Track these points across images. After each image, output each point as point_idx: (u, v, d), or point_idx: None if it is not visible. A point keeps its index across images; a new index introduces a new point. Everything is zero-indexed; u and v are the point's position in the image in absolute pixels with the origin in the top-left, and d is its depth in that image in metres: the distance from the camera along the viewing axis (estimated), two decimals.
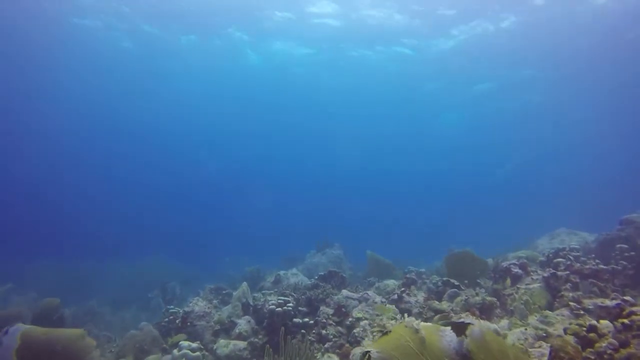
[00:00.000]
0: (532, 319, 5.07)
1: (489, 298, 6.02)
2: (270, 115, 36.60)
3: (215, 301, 10.53)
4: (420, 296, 7.51)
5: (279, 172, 52.36)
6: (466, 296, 6.49)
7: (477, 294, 6.45)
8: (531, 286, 6.41)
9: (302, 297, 8.50)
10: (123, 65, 26.72)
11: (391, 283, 9.70)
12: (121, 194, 47.25)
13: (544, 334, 4.53)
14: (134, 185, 48.56)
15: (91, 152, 42.76)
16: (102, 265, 19.75)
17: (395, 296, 7.46)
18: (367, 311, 6.88)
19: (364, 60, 24.79)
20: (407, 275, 8.25)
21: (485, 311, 5.88)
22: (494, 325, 5.14)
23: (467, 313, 5.50)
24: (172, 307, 9.59)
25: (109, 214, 41.87)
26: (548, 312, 4.96)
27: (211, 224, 42.86)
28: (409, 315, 6.97)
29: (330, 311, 7.73)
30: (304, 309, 8.20)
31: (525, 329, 4.76)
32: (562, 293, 5.57)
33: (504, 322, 5.33)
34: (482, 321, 5.19)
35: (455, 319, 5.44)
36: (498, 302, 6.07)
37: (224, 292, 11.28)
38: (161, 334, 8.71)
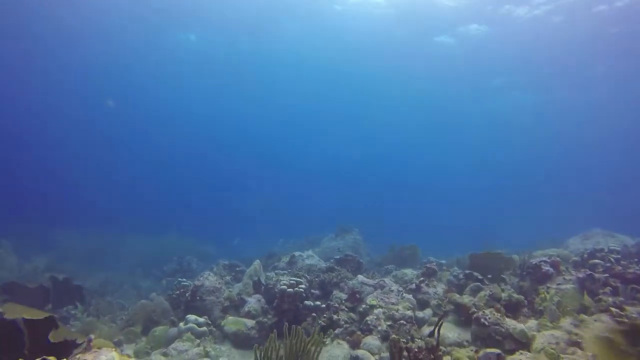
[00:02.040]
0: (565, 322, 4.57)
1: (515, 295, 5.52)
2: (295, 101, 36.14)
3: (228, 277, 10.36)
4: (440, 288, 7.06)
5: (309, 158, 52.11)
6: (490, 291, 6.00)
7: (502, 290, 5.95)
8: (563, 287, 5.88)
9: (316, 279, 8.18)
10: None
11: (409, 272, 9.26)
12: (145, 176, 47.97)
13: (579, 340, 4.04)
14: (158, 167, 49.21)
15: (120, 138, 43.53)
16: (122, 239, 20.03)
17: (414, 286, 7.03)
18: (382, 299, 6.48)
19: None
20: (428, 265, 7.78)
21: (511, 309, 5.39)
22: (521, 325, 4.67)
23: (491, 309, 5.03)
24: (183, 280, 9.45)
25: (131, 194, 42.76)
26: (584, 316, 4.44)
27: (235, 206, 43.04)
28: (427, 307, 6.55)
29: (344, 296, 7.38)
30: (317, 291, 7.88)
31: (557, 333, 4.28)
32: (600, 297, 5.02)
33: (532, 322, 4.84)
34: (508, 319, 4.73)
35: (477, 314, 4.98)
36: (526, 301, 5.57)
37: (237, 269, 11.11)
38: (171, 305, 8.59)
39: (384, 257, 12.57)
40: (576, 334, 4.10)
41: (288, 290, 6.99)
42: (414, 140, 43.42)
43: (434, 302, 6.62)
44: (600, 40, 19.62)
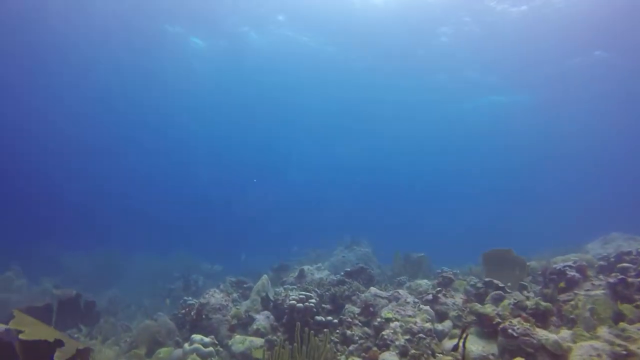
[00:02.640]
0: (602, 332, 4.14)
1: (543, 303, 5.08)
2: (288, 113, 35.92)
3: (235, 294, 9.97)
4: (459, 298, 6.62)
5: (310, 169, 51.51)
6: (514, 299, 5.57)
7: (527, 298, 5.52)
8: (592, 293, 5.44)
9: (326, 293, 7.77)
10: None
11: (424, 283, 8.82)
12: (149, 193, 47.82)
13: (624, 352, 3.62)
14: (161, 184, 49.07)
15: (122, 153, 43.49)
16: (129, 258, 19.76)
17: (430, 297, 6.60)
18: (397, 311, 6.06)
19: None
20: (444, 274, 7.35)
21: (538, 318, 4.96)
22: (553, 336, 4.24)
23: (519, 319, 4.60)
24: (189, 298, 9.08)
25: (137, 212, 42.52)
26: (625, 325, 4.02)
27: (239, 223, 42.59)
28: (446, 319, 6.12)
29: (357, 310, 6.96)
30: (328, 306, 7.46)
31: (597, 343, 3.85)
32: (639, 303, 4.59)
33: (565, 332, 4.40)
34: (540, 330, 4.31)
35: (504, 324, 4.55)
36: (555, 309, 5.13)
37: (244, 285, 10.70)
38: (177, 325, 8.20)
39: (393, 268, 12.07)
40: (620, 345, 3.67)
41: (298, 305, 6.59)
42: (414, 147, 42.68)
43: (453, 313, 6.18)
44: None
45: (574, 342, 4.08)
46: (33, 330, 4.14)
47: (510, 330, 4.37)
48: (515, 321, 4.50)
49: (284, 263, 13.63)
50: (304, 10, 19.90)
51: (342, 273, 8.89)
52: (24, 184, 39.94)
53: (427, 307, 6.19)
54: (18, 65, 25.51)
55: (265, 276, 7.93)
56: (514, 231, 32.54)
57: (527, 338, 4.19)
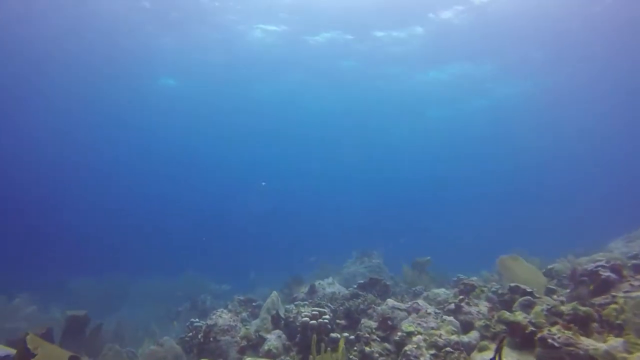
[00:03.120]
0: None
1: (582, 308, 4.57)
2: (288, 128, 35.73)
3: (244, 313, 9.47)
4: (483, 306, 6.11)
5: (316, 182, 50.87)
6: (547, 305, 5.06)
7: (562, 303, 5.02)
8: (634, 294, 4.92)
9: (340, 308, 7.27)
10: None
11: (442, 292, 8.28)
12: (157, 212, 47.43)
13: None
14: (167, 203, 48.70)
15: (125, 172, 43.39)
16: (136, 281, 19.35)
17: (452, 306, 6.09)
18: (419, 324, 5.56)
19: None
20: (464, 282, 6.83)
21: (578, 325, 4.44)
22: (602, 345, 3.73)
23: (558, 327, 4.10)
24: (196, 320, 8.59)
25: (142, 232, 42.09)
26: None
27: (244, 239, 41.94)
28: (472, 329, 5.61)
29: (374, 324, 6.45)
30: (343, 321, 6.96)
31: None
32: None
33: (615, 341, 3.89)
34: (585, 339, 3.80)
35: (542, 333, 4.06)
36: (596, 314, 4.61)
37: (254, 304, 10.21)
38: (184, 350, 7.72)
39: (405, 278, 11.47)
40: None
41: (311, 322, 6.10)
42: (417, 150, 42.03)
43: (479, 322, 5.66)
44: None
45: (629, 352, 3.57)
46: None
47: (550, 340, 3.87)
48: (554, 329, 4.01)
49: (298, 276, 13.12)
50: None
51: (355, 286, 8.39)
52: (30, 208, 39.79)
53: (451, 318, 5.68)
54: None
55: (274, 293, 7.45)
56: (521, 234, 31.69)
57: (571, 348, 3.69)
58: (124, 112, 30.86)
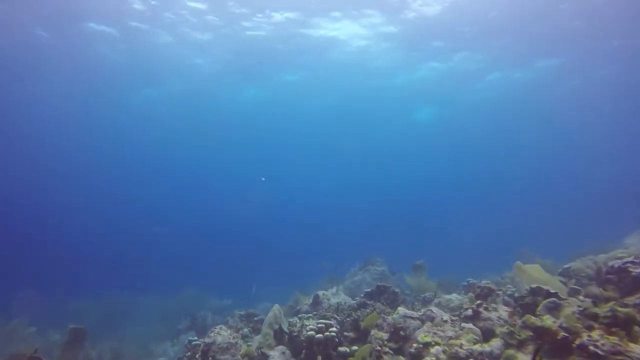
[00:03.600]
0: None
1: (621, 309, 4.05)
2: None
3: (245, 329, 8.89)
4: (502, 311, 5.58)
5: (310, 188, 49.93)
6: (578, 307, 4.55)
7: (595, 304, 4.50)
8: None
9: (347, 319, 6.73)
10: None
11: (454, 297, 7.76)
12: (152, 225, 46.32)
13: None
14: (165, 216, 47.71)
15: (120, 182, 42.47)
16: (136, 300, 18.69)
17: (470, 312, 5.55)
18: (436, 333, 5.03)
19: None
20: (481, 285, 6.30)
21: (619, 328, 3.92)
22: None
23: (600, 332, 3.59)
24: (194, 338, 8.02)
25: (141, 245, 41.08)
26: None
27: (248, 251, 41.08)
28: (493, 337, 5.07)
29: (385, 335, 5.91)
30: (351, 334, 6.41)
31: None
32: None
33: None
34: (635, 345, 3.29)
35: (580, 340, 3.54)
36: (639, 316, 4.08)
37: (255, 318, 9.62)
38: None
39: (410, 285, 10.81)
40: None
41: (317, 336, 5.56)
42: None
43: (501, 329, 5.13)
44: None
45: None
46: None
47: (592, 348, 3.36)
48: (595, 335, 3.49)
49: (302, 289, 12.49)
50: None
51: (362, 295, 7.84)
52: (27, 227, 38.98)
53: (470, 325, 5.14)
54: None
55: (276, 306, 6.90)
56: (521, 234, 30.95)
57: (620, 358, 3.17)
58: (108, 123, 30.31)
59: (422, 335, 4.92)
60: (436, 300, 8.05)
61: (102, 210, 43.20)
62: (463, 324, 5.19)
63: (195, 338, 8.03)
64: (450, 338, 4.82)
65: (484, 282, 6.20)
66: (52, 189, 39.24)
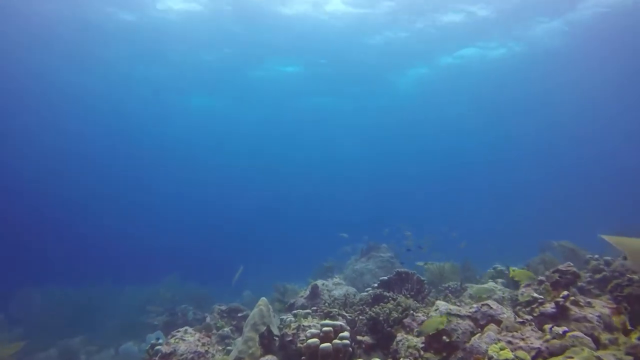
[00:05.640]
0: None
1: None
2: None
3: (227, 329, 6.91)
4: (600, 306, 3.67)
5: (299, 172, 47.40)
6: None
7: None
8: None
9: (361, 317, 4.79)
10: None
11: (490, 286, 5.87)
12: (132, 213, 43.42)
13: None
14: (146, 204, 44.83)
15: (100, 165, 39.54)
16: (113, 291, 16.45)
17: (551, 308, 3.64)
18: (512, 343, 3.10)
19: None
20: (562, 267, 4.33)
21: None
22: None
23: None
24: (159, 341, 6.03)
25: (118, 234, 38.27)
26: None
27: (231, 240, 38.53)
28: (600, 347, 3.13)
29: (418, 341, 4.00)
30: (367, 338, 4.47)
31: None
32: None
33: None
34: None
35: None
36: None
37: (239, 315, 7.64)
38: None
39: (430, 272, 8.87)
40: None
41: (323, 346, 3.61)
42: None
43: (606, 335, 3.23)
44: None
45: None
46: None
47: None
48: None
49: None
50: None
51: (376, 284, 5.88)
52: None
53: (564, 329, 3.21)
54: None
55: (263, 300, 4.90)
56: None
57: None
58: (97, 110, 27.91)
59: (495, 348, 2.97)
60: (469, 291, 6.17)
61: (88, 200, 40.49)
62: (548, 327, 3.26)
63: (160, 340, 6.04)
64: (539, 353, 2.89)
65: (565, 265, 4.25)
66: (35, 177, 36.51)
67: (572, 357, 2.62)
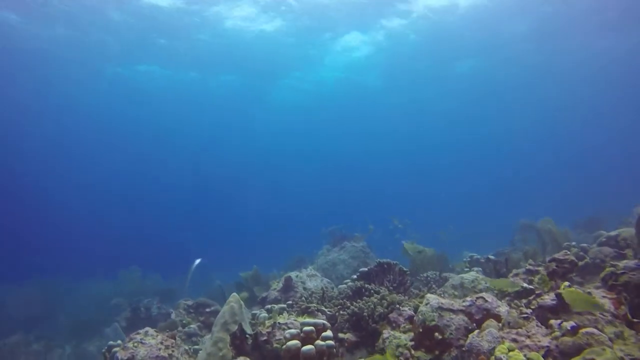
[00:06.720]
0: None
1: None
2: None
3: (193, 326, 6.33)
4: (598, 297, 3.41)
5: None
6: None
7: None
8: None
9: (342, 312, 4.37)
10: None
11: (471, 276, 5.59)
12: (89, 200, 40.77)
13: None
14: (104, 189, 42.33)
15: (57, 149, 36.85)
16: (71, 287, 15.20)
17: (551, 300, 3.34)
18: (517, 341, 2.76)
19: None
20: (559, 256, 4.04)
21: None
22: None
23: None
24: (116, 343, 5.37)
25: (74, 222, 35.83)
26: None
27: (197, 229, 36.93)
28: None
29: (406, 337, 3.63)
30: (349, 335, 4.06)
31: None
32: None
33: None
34: None
35: None
36: None
37: (207, 310, 7.05)
38: None
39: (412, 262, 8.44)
40: None
41: (305, 349, 3.15)
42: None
43: (611, 328, 2.96)
44: None
45: None
46: None
47: None
48: None
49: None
50: None
51: (355, 276, 5.48)
52: None
53: (572, 324, 2.90)
54: None
55: (235, 296, 4.35)
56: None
57: None
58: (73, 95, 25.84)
59: (503, 349, 2.60)
60: (451, 282, 5.89)
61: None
62: (555, 322, 2.95)
63: (117, 342, 5.38)
64: (549, 352, 2.55)
65: (562, 253, 3.98)
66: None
67: (581, 354, 2.30)
